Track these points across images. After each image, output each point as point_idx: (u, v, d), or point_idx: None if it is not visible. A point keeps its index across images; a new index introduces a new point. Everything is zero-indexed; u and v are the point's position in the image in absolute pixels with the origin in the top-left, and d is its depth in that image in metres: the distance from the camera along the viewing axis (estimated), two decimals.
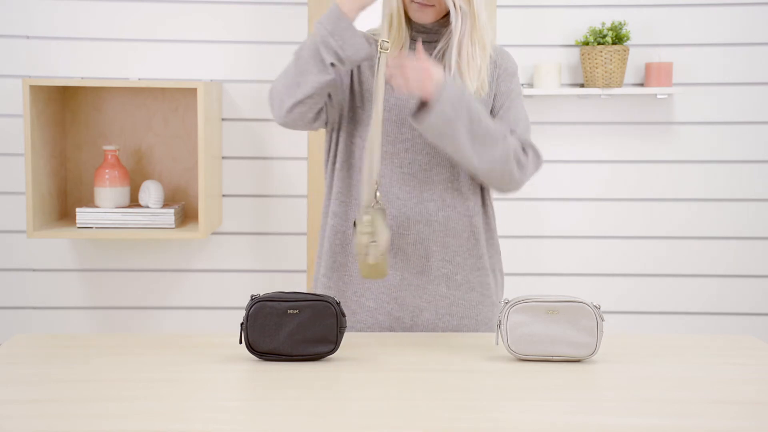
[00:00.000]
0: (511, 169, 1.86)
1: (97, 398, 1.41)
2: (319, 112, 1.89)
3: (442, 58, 1.91)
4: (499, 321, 1.63)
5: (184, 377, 1.52)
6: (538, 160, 1.94)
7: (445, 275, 1.93)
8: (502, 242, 3.18)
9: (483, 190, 1.99)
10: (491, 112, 1.97)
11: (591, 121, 3.21)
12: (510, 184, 1.91)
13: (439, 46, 1.92)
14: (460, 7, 1.84)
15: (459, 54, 1.87)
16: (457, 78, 1.86)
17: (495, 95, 1.97)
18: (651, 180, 3.22)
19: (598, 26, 3.12)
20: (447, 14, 1.91)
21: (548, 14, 3.17)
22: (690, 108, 3.19)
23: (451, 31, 1.88)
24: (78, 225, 2.93)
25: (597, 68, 3.05)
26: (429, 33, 1.93)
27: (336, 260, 1.98)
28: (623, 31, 3.05)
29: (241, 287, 3.21)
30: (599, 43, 3.05)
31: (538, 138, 3.19)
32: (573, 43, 3.17)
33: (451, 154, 1.85)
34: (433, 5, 1.87)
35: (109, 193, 2.94)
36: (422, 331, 1.94)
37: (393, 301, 1.93)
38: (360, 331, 1.94)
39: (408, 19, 1.92)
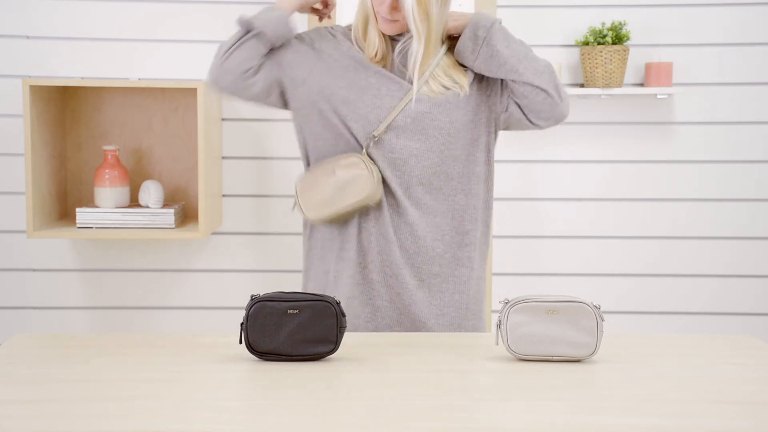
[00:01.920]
0: (557, 81, 2.02)
1: (97, 398, 1.41)
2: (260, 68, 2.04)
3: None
4: (499, 321, 1.63)
5: (184, 377, 1.52)
6: None
7: (439, 255, 2.02)
8: (501, 243, 3.20)
9: (471, 173, 2.06)
10: (497, 85, 2.07)
11: (591, 121, 3.21)
12: (561, 98, 2.03)
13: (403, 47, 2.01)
14: (420, 31, 1.93)
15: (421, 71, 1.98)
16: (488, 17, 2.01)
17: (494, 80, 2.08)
18: (651, 180, 3.22)
19: (598, 26, 3.12)
20: None
21: (548, 14, 3.17)
22: (690, 108, 3.19)
23: (406, 46, 1.99)
24: (78, 225, 2.93)
25: (597, 68, 3.05)
26: (402, 35, 2.02)
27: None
28: (623, 31, 3.05)
29: (241, 287, 3.21)
30: (599, 43, 3.05)
31: (538, 138, 3.20)
32: (573, 43, 3.17)
33: (504, 75, 2.00)
34: (398, 20, 1.95)
35: (109, 193, 2.94)
36: (418, 309, 2.02)
37: (394, 278, 2.01)
38: (359, 307, 2.01)
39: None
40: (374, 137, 1.97)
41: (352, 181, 1.96)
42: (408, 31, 1.99)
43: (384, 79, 2.00)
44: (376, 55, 2.00)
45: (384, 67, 2.02)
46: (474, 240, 2.07)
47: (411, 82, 1.99)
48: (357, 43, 2.04)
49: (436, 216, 2.02)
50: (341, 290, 2.03)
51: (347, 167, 1.97)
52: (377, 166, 1.98)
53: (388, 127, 1.98)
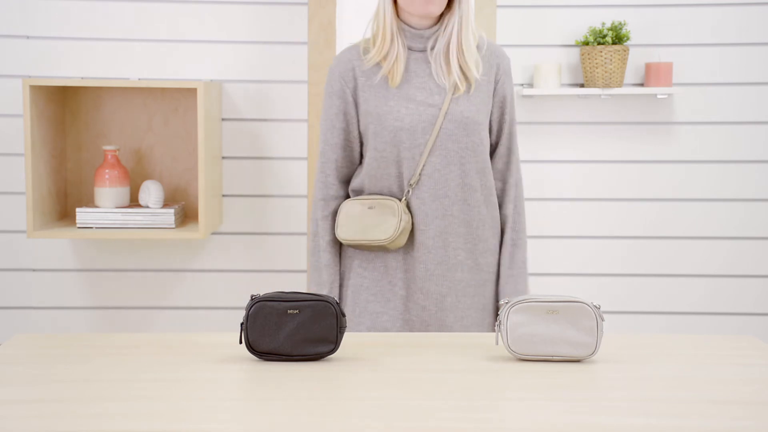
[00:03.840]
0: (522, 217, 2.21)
1: (97, 398, 1.41)
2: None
3: (445, 55, 2.04)
4: (499, 321, 1.63)
5: (184, 377, 1.52)
6: (523, 197, 2.21)
7: (461, 261, 2.09)
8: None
9: (489, 182, 2.13)
10: (493, 115, 2.12)
11: (591, 121, 3.21)
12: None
13: (437, 47, 2.04)
14: None
15: (459, 44, 2.03)
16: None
17: (501, 98, 2.12)
18: (651, 180, 3.22)
19: (598, 26, 3.12)
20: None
21: (548, 14, 3.17)
22: (690, 108, 3.19)
23: (437, 34, 2.04)
24: (78, 225, 2.93)
25: (597, 68, 3.05)
26: (418, 40, 2.06)
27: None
28: (623, 31, 3.05)
29: (241, 287, 3.21)
30: (599, 43, 3.05)
31: (538, 138, 3.20)
32: (573, 43, 3.17)
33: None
34: None
35: (109, 193, 2.94)
36: (446, 315, 2.09)
37: (419, 291, 2.07)
38: (389, 322, 2.08)
39: (398, 30, 2.05)
40: (411, 185, 2.05)
41: (380, 223, 2.03)
42: (431, 27, 2.05)
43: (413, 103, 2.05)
44: (385, 57, 2.04)
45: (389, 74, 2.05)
46: (490, 247, 2.16)
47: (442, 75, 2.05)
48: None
49: (460, 226, 2.09)
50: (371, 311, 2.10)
51: (382, 208, 2.04)
52: (411, 214, 2.06)
53: (411, 145, 2.04)
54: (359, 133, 2.10)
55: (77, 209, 2.93)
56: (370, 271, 2.10)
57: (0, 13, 3.08)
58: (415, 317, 2.08)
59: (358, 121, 2.08)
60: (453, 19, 2.02)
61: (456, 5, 2.02)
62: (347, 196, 2.14)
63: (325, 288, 2.10)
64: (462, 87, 2.03)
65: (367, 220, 2.05)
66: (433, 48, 2.05)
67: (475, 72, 2.04)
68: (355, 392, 1.46)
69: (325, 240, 2.11)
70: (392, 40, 2.02)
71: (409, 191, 2.05)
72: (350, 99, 2.07)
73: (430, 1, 1.98)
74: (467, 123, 2.04)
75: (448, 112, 2.03)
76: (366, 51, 2.07)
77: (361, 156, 2.12)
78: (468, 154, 2.06)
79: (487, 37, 2.13)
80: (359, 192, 2.12)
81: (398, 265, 2.08)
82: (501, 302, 1.65)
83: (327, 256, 2.11)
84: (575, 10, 3.16)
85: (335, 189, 2.12)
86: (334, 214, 2.12)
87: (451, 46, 2.02)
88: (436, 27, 2.05)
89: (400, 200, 2.05)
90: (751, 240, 3.24)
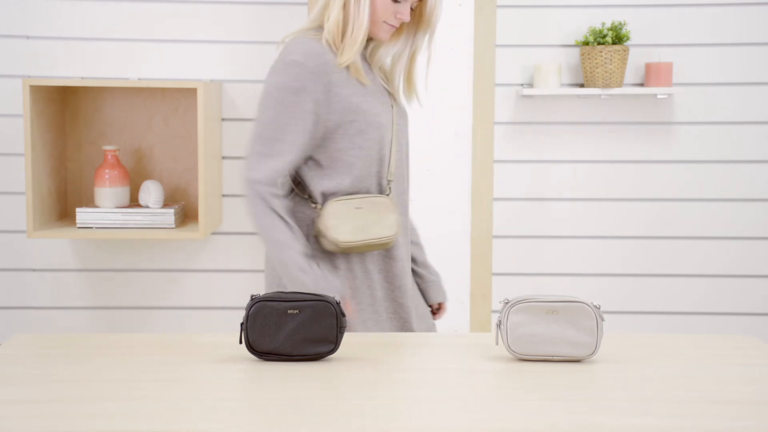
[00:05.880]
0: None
1: (97, 398, 1.41)
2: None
3: (394, 70, 2.08)
4: (499, 321, 1.63)
5: (184, 377, 1.52)
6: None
7: (407, 254, 2.12)
8: (501, 243, 3.20)
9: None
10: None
11: (591, 121, 3.21)
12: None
13: (391, 58, 2.08)
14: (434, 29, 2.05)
15: (411, 65, 2.07)
16: None
17: None
18: (651, 180, 3.22)
19: (598, 26, 3.12)
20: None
21: (548, 14, 3.17)
22: (690, 108, 3.19)
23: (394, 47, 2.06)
24: (78, 225, 2.93)
25: (597, 68, 3.05)
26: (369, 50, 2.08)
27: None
28: (623, 31, 3.05)
29: (241, 287, 3.21)
30: (599, 43, 3.05)
31: (538, 138, 3.20)
32: (573, 43, 3.17)
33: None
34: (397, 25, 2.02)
35: (109, 193, 2.94)
36: (421, 308, 2.12)
37: (398, 289, 2.05)
38: (375, 327, 2.05)
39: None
40: (389, 182, 2.04)
41: (378, 221, 1.98)
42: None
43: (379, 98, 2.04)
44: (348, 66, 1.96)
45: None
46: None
47: (390, 91, 2.07)
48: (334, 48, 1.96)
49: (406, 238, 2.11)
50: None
51: (372, 207, 1.99)
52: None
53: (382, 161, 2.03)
54: (322, 134, 1.94)
55: (77, 209, 2.93)
56: (351, 279, 1.99)
57: (0, 13, 3.08)
58: (394, 315, 2.04)
59: (328, 120, 1.93)
60: (401, 42, 2.05)
61: (430, 29, 2.03)
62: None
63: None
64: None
65: (360, 220, 1.94)
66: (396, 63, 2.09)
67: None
68: (355, 392, 1.46)
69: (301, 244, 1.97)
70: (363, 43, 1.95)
71: (389, 189, 2.01)
72: (322, 98, 1.91)
73: (390, 31, 1.99)
74: (407, 118, 2.10)
75: (397, 107, 2.06)
76: (333, 45, 1.93)
77: (309, 159, 1.99)
78: (408, 149, 2.10)
79: None
80: (332, 195, 1.97)
81: (375, 266, 2.01)
82: (500, 302, 1.66)
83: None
84: (575, 10, 3.16)
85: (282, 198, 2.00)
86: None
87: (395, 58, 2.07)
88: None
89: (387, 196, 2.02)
90: (751, 240, 3.24)
